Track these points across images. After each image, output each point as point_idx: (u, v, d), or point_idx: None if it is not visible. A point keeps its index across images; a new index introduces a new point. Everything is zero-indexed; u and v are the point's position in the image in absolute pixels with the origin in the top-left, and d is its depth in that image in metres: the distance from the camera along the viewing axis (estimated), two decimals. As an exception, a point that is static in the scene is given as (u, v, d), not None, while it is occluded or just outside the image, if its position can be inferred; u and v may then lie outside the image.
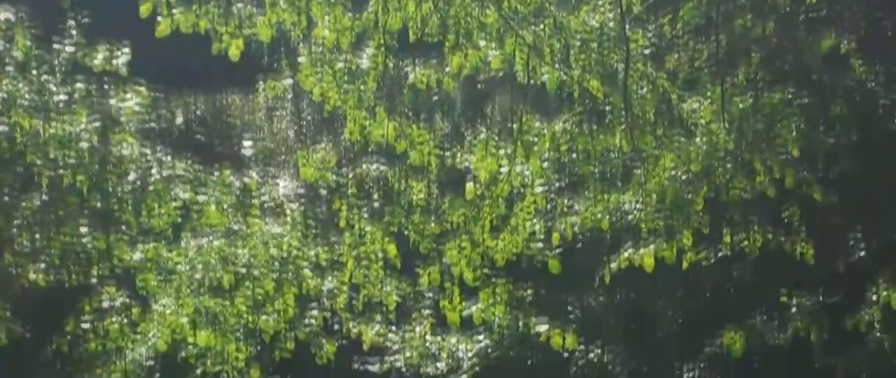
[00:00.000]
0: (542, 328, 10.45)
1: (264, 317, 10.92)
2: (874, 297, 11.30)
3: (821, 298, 13.01)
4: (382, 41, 9.84)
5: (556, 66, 9.83)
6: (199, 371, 12.75)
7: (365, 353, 14.67)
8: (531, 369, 16.39)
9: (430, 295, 11.60)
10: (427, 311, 11.91)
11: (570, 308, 15.97)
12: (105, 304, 10.97)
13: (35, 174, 10.51)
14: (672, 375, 15.63)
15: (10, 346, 11.68)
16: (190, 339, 10.86)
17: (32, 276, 10.93)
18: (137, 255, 10.76)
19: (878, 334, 12.23)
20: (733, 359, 12.55)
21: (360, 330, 11.27)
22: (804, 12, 13.17)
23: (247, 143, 15.59)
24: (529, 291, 14.40)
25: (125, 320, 10.98)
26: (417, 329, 12.16)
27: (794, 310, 12.74)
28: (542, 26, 9.90)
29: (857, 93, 13.07)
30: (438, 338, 12.67)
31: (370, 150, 11.46)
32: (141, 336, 10.96)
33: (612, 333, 16.22)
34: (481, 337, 14.05)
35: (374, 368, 15.39)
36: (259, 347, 12.42)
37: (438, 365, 14.77)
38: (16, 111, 10.27)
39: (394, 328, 11.99)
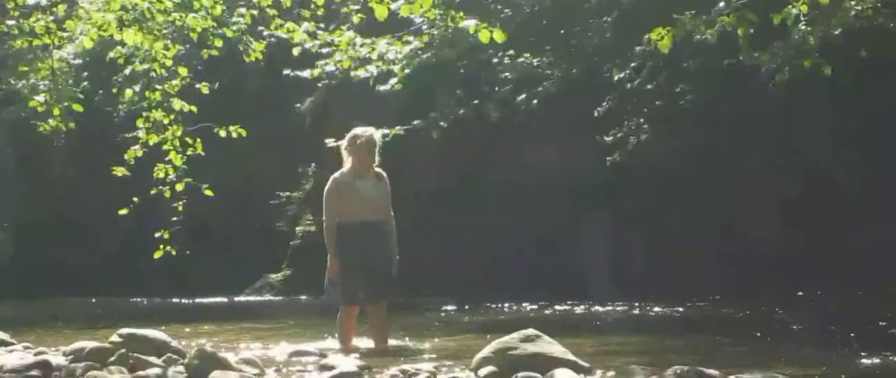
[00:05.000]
0: (470, 24, 10.39)
1: (192, 15, 10.83)
2: (802, -10, 11.26)
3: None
4: None
5: None
6: (127, 71, 12.72)
7: (295, 60, 14.70)
8: (460, 72, 16.49)
9: (359, -9, 11.53)
10: (356, 7, 11.80)
11: (499, 7, 15.98)
12: (30, 1, 10.80)
13: None
14: (602, 76, 15.77)
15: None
16: (117, 37, 10.76)
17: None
18: (61, -49, 10.57)
19: (802, 27, 12.30)
20: (661, 54, 12.62)
21: (289, 28, 11.17)
22: None
23: None
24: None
25: (51, 18, 10.84)
26: (347, 33, 12.07)
27: (721, 5, 12.74)
28: None
29: None
30: (369, 40, 12.59)
31: None
32: (67, 34, 10.85)
33: (542, 35, 16.28)
34: (411, 38, 14.05)
35: (305, 74, 15.40)
36: (187, 46, 12.30)
37: (369, 68, 14.78)
38: None
39: (323, 27, 11.90)
